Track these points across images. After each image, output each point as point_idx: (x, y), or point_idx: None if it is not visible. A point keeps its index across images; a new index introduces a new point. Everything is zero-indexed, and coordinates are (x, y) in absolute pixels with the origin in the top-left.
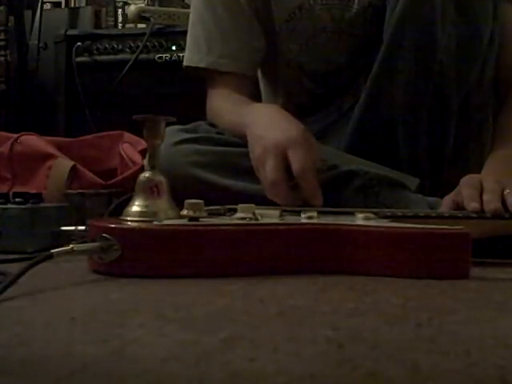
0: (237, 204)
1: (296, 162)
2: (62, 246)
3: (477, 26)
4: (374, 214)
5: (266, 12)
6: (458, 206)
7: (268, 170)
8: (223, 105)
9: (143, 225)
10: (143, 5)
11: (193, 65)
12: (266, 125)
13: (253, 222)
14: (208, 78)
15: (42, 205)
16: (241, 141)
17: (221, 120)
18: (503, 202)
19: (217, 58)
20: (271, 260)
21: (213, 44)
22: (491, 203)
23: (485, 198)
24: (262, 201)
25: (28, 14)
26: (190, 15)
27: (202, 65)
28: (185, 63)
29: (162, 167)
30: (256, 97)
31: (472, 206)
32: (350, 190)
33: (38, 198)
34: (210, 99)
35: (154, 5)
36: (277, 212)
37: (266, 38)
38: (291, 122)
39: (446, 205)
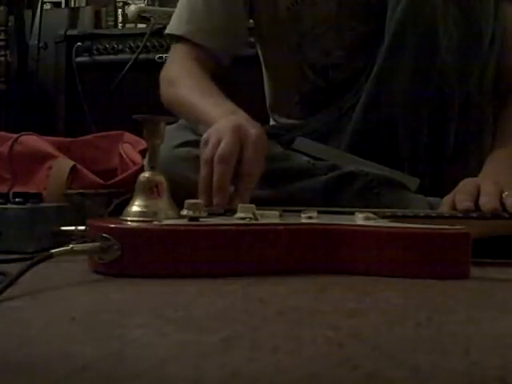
0: None
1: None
2: (62, 246)
3: (478, 25)
4: (374, 213)
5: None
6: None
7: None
8: (187, 81)
9: (143, 225)
10: (143, 5)
11: (170, 32)
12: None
13: (253, 221)
14: (178, 47)
15: (42, 205)
16: None
17: (177, 94)
18: (502, 203)
19: (196, 30)
20: (271, 260)
21: (195, 15)
22: (488, 203)
23: (482, 199)
24: (263, 203)
25: (28, 13)
26: None
27: (178, 32)
28: (166, 31)
29: (162, 170)
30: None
31: (464, 205)
32: (350, 192)
33: (37, 198)
34: (171, 64)
35: (154, 5)
36: (277, 212)
37: (267, 27)
38: (248, 119)
39: (445, 205)
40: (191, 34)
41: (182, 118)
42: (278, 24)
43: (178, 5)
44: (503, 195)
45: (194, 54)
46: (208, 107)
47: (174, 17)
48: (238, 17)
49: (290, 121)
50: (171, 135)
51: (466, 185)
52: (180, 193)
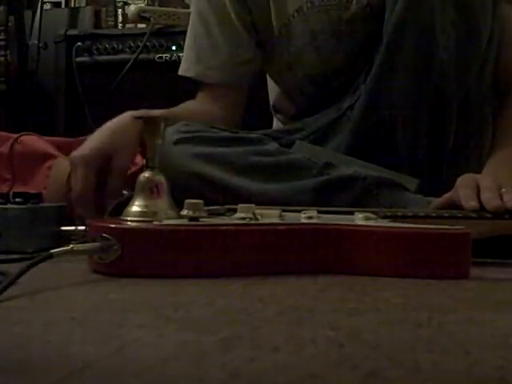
0: (237, 203)
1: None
2: (62, 246)
3: (476, 25)
4: (374, 213)
5: (265, 17)
6: (452, 205)
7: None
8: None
9: (143, 225)
10: (143, 5)
11: (182, 74)
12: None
13: (253, 221)
14: (198, 85)
15: (42, 205)
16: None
17: None
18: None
19: (204, 69)
20: (271, 260)
21: (202, 55)
22: (492, 201)
23: (484, 196)
24: (262, 200)
25: (28, 13)
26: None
27: (189, 74)
28: (179, 72)
29: (162, 165)
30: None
31: (470, 204)
32: (349, 196)
33: (37, 198)
34: None
35: (153, 5)
36: (277, 212)
37: (263, 46)
38: (113, 137)
39: (439, 201)
40: (202, 75)
41: None
42: (274, 41)
43: (185, 45)
44: (501, 191)
45: (210, 93)
46: None
47: (183, 58)
48: (244, 46)
49: (290, 124)
50: (171, 132)
51: (467, 179)
52: (179, 184)
